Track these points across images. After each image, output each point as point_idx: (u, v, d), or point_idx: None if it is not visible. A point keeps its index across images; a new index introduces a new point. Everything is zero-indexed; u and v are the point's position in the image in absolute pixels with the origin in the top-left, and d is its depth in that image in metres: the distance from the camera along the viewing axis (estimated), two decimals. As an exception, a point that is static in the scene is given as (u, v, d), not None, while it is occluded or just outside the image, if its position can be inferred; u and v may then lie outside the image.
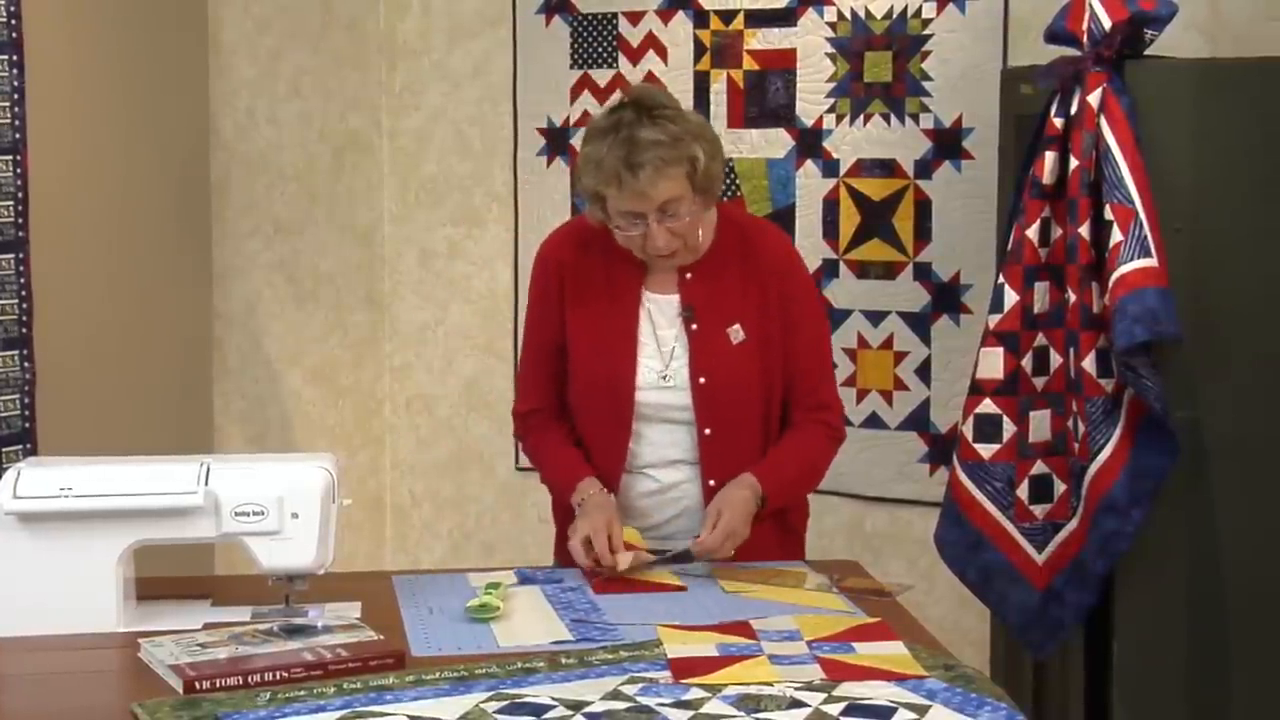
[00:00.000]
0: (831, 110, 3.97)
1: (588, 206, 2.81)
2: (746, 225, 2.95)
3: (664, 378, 2.82)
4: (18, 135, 3.15)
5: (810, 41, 3.98)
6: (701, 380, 2.81)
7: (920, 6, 3.86)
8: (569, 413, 2.93)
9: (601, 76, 4.23)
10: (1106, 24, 3.00)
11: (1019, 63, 3.64)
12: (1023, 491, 3.14)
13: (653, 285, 2.85)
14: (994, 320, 3.14)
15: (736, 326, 2.82)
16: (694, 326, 2.82)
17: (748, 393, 2.82)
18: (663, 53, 4.13)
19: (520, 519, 4.47)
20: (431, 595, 2.59)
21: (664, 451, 2.84)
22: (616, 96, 2.85)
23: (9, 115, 3.13)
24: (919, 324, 3.94)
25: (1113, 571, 3.07)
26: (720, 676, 2.15)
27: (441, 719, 2.00)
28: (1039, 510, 3.15)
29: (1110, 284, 2.94)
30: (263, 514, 2.43)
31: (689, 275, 2.84)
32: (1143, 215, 2.93)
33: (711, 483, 2.81)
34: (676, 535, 2.83)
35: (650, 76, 4.13)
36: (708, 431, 2.81)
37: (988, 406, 3.14)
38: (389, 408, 4.64)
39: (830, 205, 4.00)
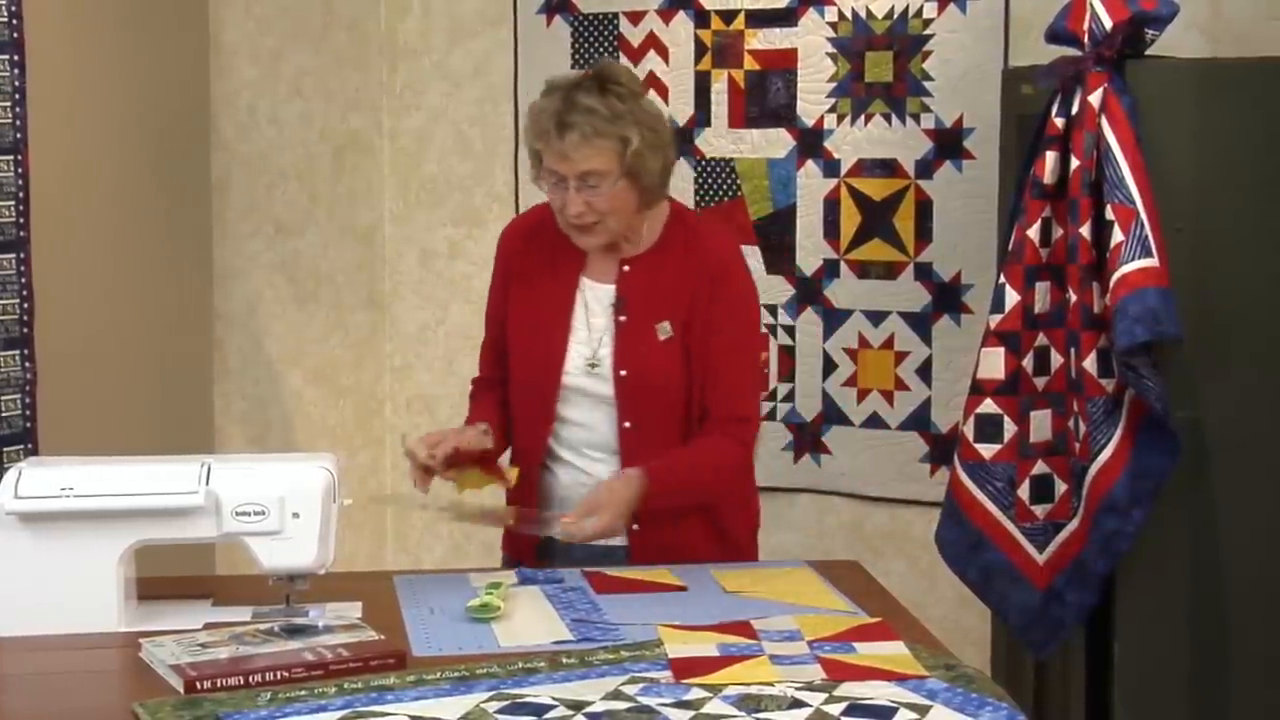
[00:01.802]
0: (832, 110, 3.97)
1: (532, 161, 2.84)
2: (697, 227, 2.93)
3: (591, 365, 2.84)
4: (18, 135, 3.15)
5: (811, 41, 3.98)
6: (623, 373, 2.82)
7: (921, 6, 3.86)
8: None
9: (602, 76, 4.22)
10: (1107, 24, 3.00)
11: (1020, 63, 3.64)
12: (1024, 491, 3.14)
13: (592, 273, 2.87)
14: (995, 320, 3.14)
15: (665, 323, 2.82)
16: (622, 318, 2.84)
17: (669, 389, 2.82)
18: (664, 53, 4.13)
19: (521, 519, 4.46)
20: (432, 595, 2.59)
21: (587, 436, 2.85)
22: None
23: (10, 115, 3.13)
24: (920, 324, 3.94)
25: (1114, 571, 3.07)
26: (721, 676, 2.15)
27: (442, 719, 2.00)
28: (1040, 510, 3.15)
29: (1111, 284, 2.94)
30: (264, 514, 2.43)
31: (627, 267, 2.86)
32: (1144, 215, 2.93)
33: None
34: None
35: (651, 76, 4.13)
36: (628, 424, 2.82)
37: (989, 406, 3.14)
38: (390, 408, 4.64)
39: (831, 205, 4.00)
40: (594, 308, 2.86)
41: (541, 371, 2.86)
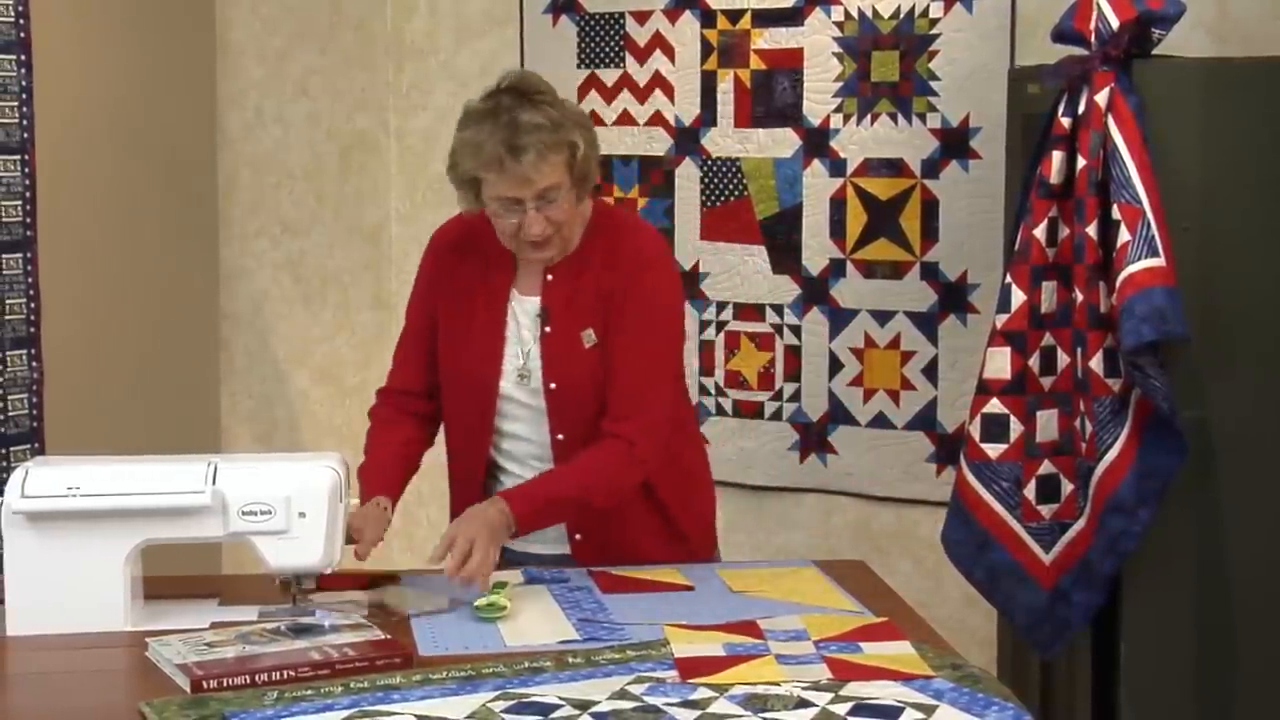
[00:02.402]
0: (838, 110, 3.97)
1: (462, 194, 2.74)
2: (620, 226, 2.86)
3: (521, 377, 2.79)
4: (25, 135, 3.15)
5: (817, 41, 3.98)
6: (552, 385, 2.77)
7: (928, 6, 3.86)
8: (432, 400, 2.90)
9: (609, 76, 4.23)
10: (1114, 23, 2.99)
11: (1026, 62, 3.64)
12: (1030, 491, 3.14)
13: (520, 286, 2.81)
14: (1001, 320, 3.13)
15: (589, 330, 2.76)
16: (547, 329, 2.77)
17: (599, 398, 2.75)
18: (670, 52, 4.13)
19: (527, 519, 4.46)
20: (439, 594, 2.58)
21: (527, 448, 2.81)
22: (491, 83, 2.79)
23: (17, 115, 3.14)
24: (926, 324, 3.94)
25: (1120, 571, 3.07)
26: (727, 676, 2.15)
27: (449, 718, 2.01)
28: (1046, 510, 3.15)
29: (1118, 283, 2.93)
30: (270, 513, 2.43)
31: (550, 277, 2.78)
32: (1150, 215, 2.93)
33: None
34: (535, 539, 2.78)
35: (657, 76, 4.13)
36: (560, 436, 2.78)
37: (995, 406, 3.14)
38: (396, 407, 4.64)
39: (837, 205, 4.00)
40: (522, 320, 2.80)
41: (477, 385, 2.80)
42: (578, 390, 2.75)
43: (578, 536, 2.80)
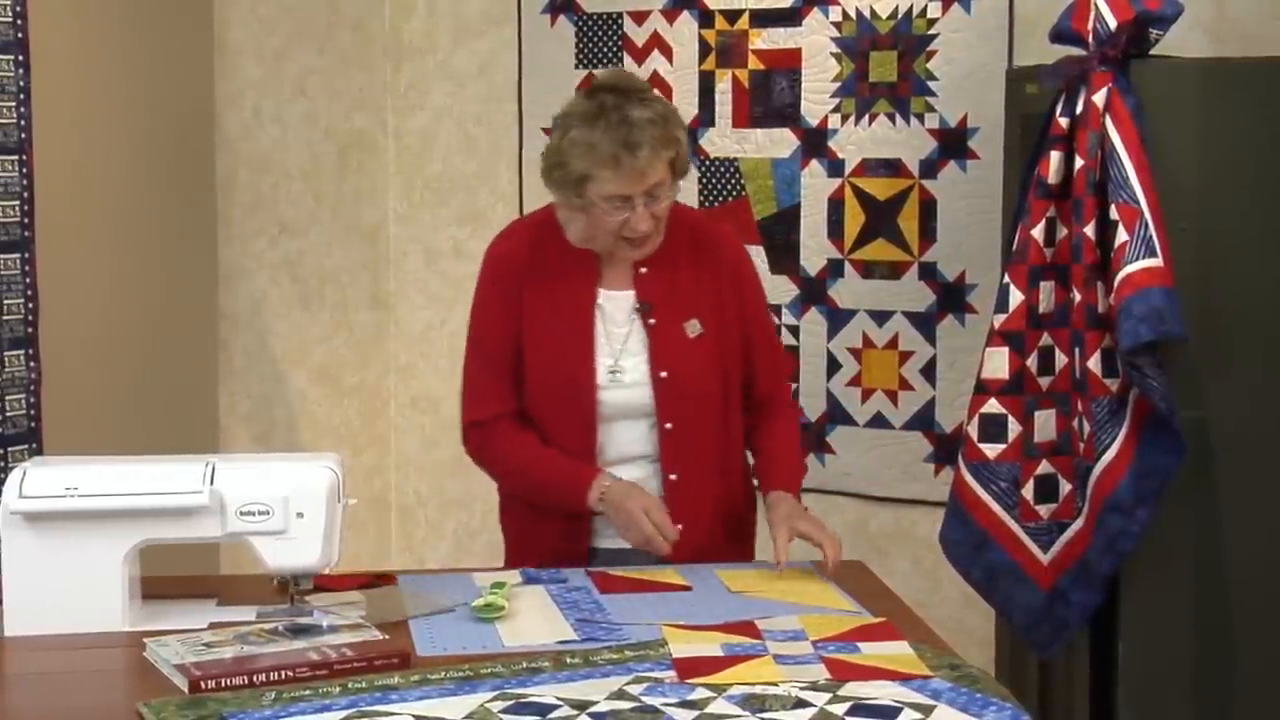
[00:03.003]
0: (837, 110, 3.97)
1: (563, 195, 2.77)
2: (695, 222, 2.96)
3: (613, 374, 2.81)
4: (23, 135, 3.15)
5: (815, 41, 3.98)
6: (663, 375, 2.81)
7: (925, 6, 3.86)
8: (529, 417, 2.88)
9: (607, 76, 4.22)
10: (1112, 23, 2.99)
11: (1024, 62, 3.64)
12: (1028, 491, 3.14)
13: (607, 282, 2.85)
14: (999, 320, 3.14)
15: (694, 321, 2.83)
16: (651, 321, 2.82)
17: (707, 386, 2.83)
18: (668, 52, 4.13)
19: (525, 519, 4.46)
20: (436, 595, 2.59)
21: (623, 448, 2.84)
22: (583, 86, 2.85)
23: (15, 115, 3.14)
24: (924, 324, 3.94)
25: (1118, 571, 3.07)
26: (725, 676, 2.15)
27: (447, 718, 2.01)
28: (1044, 510, 3.15)
29: (1116, 284, 2.93)
30: (268, 513, 2.43)
31: (643, 270, 2.83)
32: (1148, 215, 2.93)
33: (673, 476, 2.82)
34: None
35: (655, 76, 4.13)
36: (668, 426, 2.81)
37: (993, 406, 3.14)
38: (394, 407, 4.64)
39: (835, 205, 4.00)
40: (614, 316, 2.84)
41: (575, 387, 2.81)
42: (685, 379, 2.81)
43: (679, 525, 2.79)
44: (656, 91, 2.84)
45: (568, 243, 2.84)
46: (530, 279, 2.85)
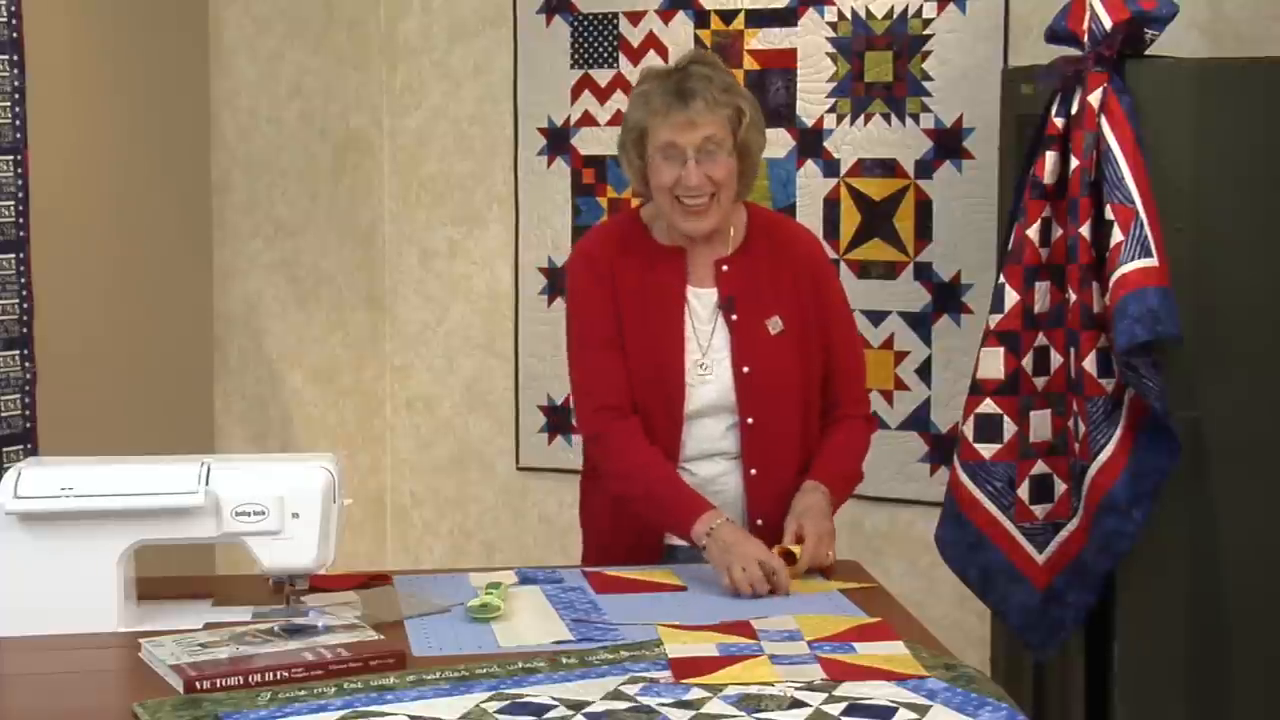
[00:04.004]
0: (832, 110, 3.97)
1: (626, 165, 2.87)
2: (772, 221, 3.02)
3: (702, 367, 2.84)
4: (18, 135, 3.15)
5: (811, 41, 3.98)
6: (745, 370, 2.83)
7: (921, 6, 3.86)
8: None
9: (602, 76, 4.23)
10: (1107, 24, 2.99)
11: (1020, 62, 3.64)
12: (1023, 491, 3.14)
13: (694, 280, 2.88)
14: (995, 320, 3.14)
15: (775, 318, 2.86)
16: (734, 317, 2.85)
17: (788, 382, 2.86)
18: (663, 53, 4.13)
19: (521, 519, 4.47)
20: (432, 595, 2.59)
21: (703, 445, 2.86)
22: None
23: (10, 115, 3.13)
24: (920, 324, 3.94)
25: (1113, 572, 3.07)
26: (721, 676, 2.15)
27: (442, 719, 2.01)
28: (1039, 510, 3.15)
29: (1111, 284, 2.94)
30: (263, 514, 2.42)
31: (725, 268, 2.87)
32: (1143, 215, 2.93)
33: (753, 472, 2.84)
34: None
35: (651, 76, 4.13)
36: (750, 421, 2.84)
37: (988, 406, 3.14)
38: (390, 407, 4.64)
39: (831, 205, 4.00)
40: (700, 313, 2.87)
41: (666, 381, 2.83)
42: (767, 375, 2.84)
43: (759, 522, 2.82)
44: (734, 76, 2.90)
45: (654, 241, 2.89)
46: (622, 276, 2.88)
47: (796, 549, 2.70)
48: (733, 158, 2.78)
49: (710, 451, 2.86)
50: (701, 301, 2.87)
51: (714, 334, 2.86)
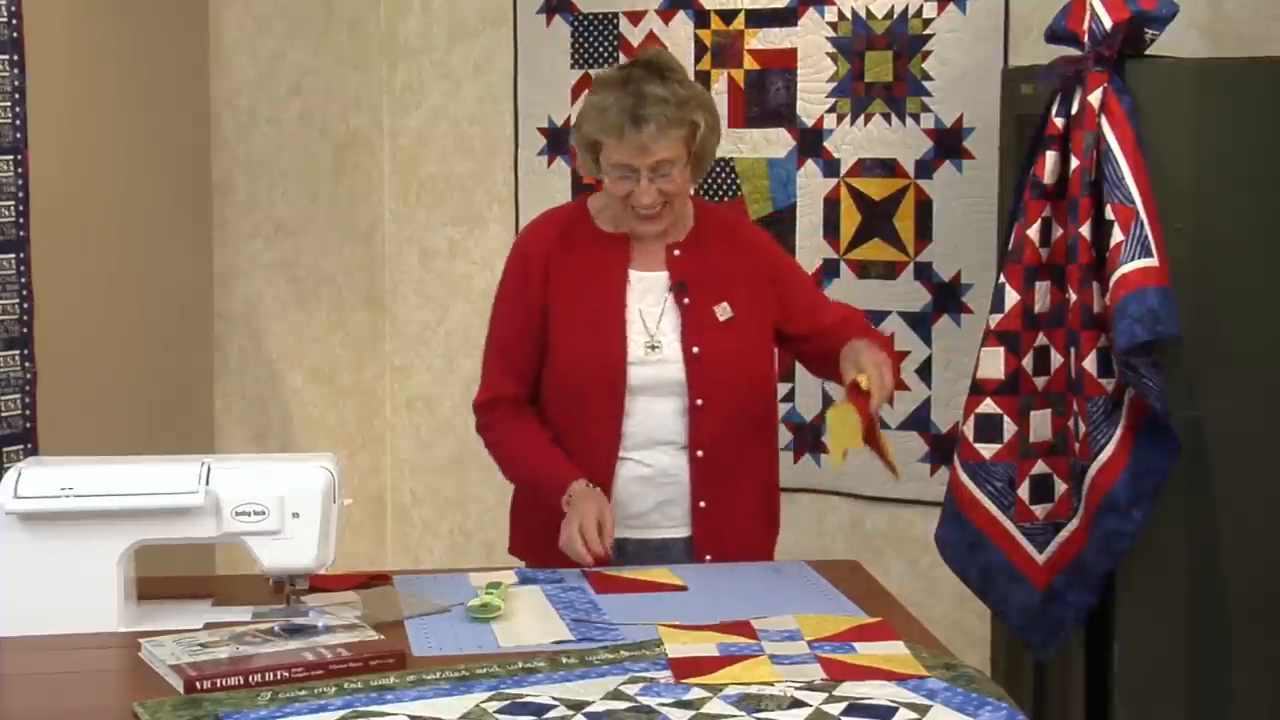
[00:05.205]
0: (832, 110, 3.97)
1: (579, 157, 2.87)
2: (722, 212, 3.11)
3: (651, 347, 2.85)
4: (19, 135, 3.15)
5: (811, 41, 3.98)
6: (695, 350, 2.84)
7: (921, 6, 3.86)
8: (539, 404, 2.93)
9: (602, 76, 4.22)
10: (1107, 24, 3.00)
11: (1020, 62, 3.64)
12: (1023, 491, 3.15)
13: (639, 264, 2.89)
14: (995, 320, 3.14)
15: (725, 304, 2.88)
16: (686, 300, 2.86)
17: (737, 365, 2.87)
18: (663, 52, 4.13)
19: (521, 519, 4.46)
20: (432, 595, 2.59)
21: (652, 431, 2.86)
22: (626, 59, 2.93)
23: (10, 115, 3.13)
24: (920, 324, 3.94)
25: (1113, 572, 3.07)
26: (721, 676, 2.15)
27: (442, 719, 2.00)
28: (1040, 510, 3.15)
29: (1111, 284, 2.94)
30: (264, 514, 2.42)
31: (677, 252, 2.89)
32: (1143, 215, 2.93)
33: (700, 454, 2.85)
34: (661, 523, 2.88)
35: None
36: (699, 402, 2.84)
37: (988, 406, 3.14)
38: (390, 407, 4.64)
39: (831, 205, 4.00)
40: (646, 297, 2.88)
41: (605, 365, 2.84)
42: (718, 356, 2.85)
43: (702, 504, 2.85)
44: (691, 77, 2.89)
45: (598, 229, 2.90)
46: (558, 261, 2.89)
47: (863, 379, 2.71)
48: (687, 169, 2.81)
49: (659, 439, 2.86)
50: (648, 284, 2.88)
51: (662, 316, 2.87)
